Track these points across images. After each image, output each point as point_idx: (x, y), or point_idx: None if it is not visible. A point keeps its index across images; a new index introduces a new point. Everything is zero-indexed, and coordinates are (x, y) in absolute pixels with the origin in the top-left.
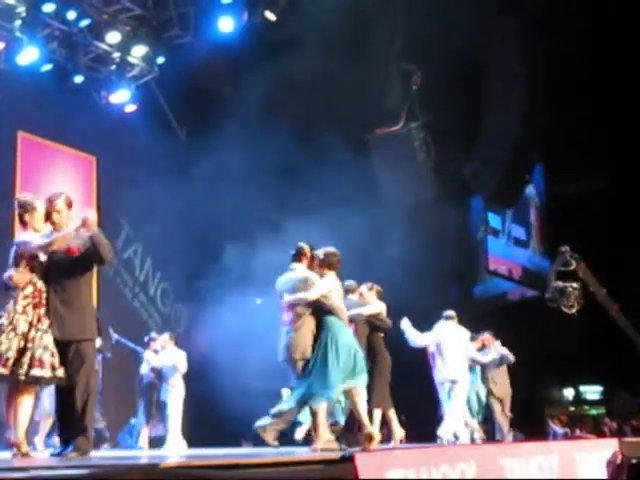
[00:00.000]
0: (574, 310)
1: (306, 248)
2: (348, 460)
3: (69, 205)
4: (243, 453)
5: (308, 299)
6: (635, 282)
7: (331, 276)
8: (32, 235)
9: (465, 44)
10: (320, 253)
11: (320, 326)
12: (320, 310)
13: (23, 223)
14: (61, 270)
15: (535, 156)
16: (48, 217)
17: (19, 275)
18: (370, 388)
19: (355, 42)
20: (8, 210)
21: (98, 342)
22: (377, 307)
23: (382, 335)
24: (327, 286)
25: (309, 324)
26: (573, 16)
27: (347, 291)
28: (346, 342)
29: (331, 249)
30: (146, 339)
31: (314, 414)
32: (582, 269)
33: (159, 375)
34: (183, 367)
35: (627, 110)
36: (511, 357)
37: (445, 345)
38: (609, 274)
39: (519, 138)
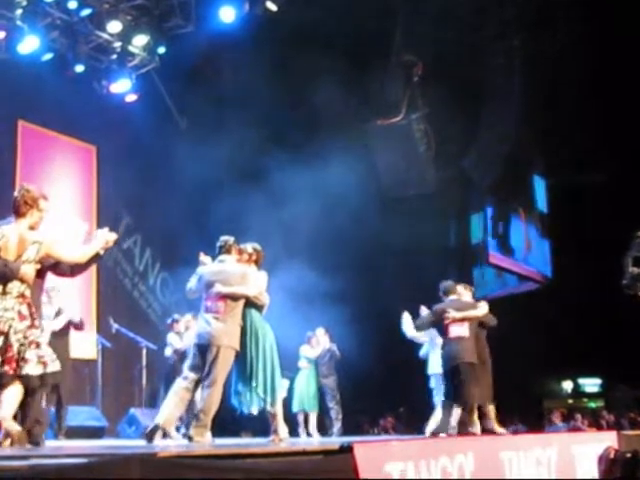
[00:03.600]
0: None
1: (231, 241)
2: (347, 451)
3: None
4: (242, 443)
5: (247, 294)
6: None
7: (262, 273)
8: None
9: (466, 36)
10: (248, 248)
11: (245, 319)
12: (246, 304)
13: (20, 214)
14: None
15: (535, 148)
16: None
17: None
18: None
19: (356, 33)
20: (8, 199)
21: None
22: (485, 307)
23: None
24: (264, 283)
25: (238, 316)
26: (573, 10)
27: (446, 292)
28: (271, 339)
29: (257, 245)
30: (169, 321)
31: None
32: None
33: (182, 358)
34: None
35: (628, 101)
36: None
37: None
38: (610, 266)
39: (519, 130)
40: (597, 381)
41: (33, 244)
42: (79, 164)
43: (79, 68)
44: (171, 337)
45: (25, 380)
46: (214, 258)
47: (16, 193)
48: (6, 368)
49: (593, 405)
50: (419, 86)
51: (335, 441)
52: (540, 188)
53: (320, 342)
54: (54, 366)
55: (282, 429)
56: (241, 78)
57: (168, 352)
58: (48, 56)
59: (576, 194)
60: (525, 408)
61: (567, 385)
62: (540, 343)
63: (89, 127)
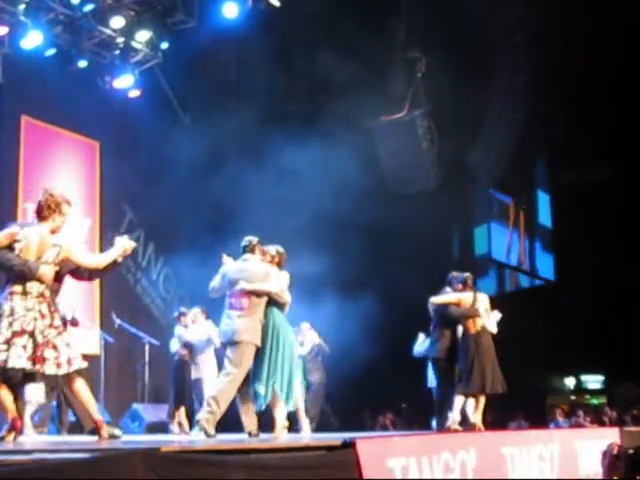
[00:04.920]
0: None
1: (255, 241)
2: (349, 446)
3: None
4: (244, 438)
5: (269, 291)
6: (637, 270)
7: (284, 272)
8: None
9: (470, 32)
10: (271, 250)
11: (267, 317)
12: (268, 302)
13: (42, 217)
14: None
15: (539, 145)
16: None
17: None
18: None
19: (360, 28)
20: (11, 194)
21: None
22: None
23: None
24: (285, 283)
25: (260, 313)
26: (579, 6)
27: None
28: (290, 337)
29: (280, 248)
30: (176, 314)
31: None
32: None
33: (190, 351)
34: (217, 341)
35: (631, 97)
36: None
37: None
38: (612, 261)
39: (523, 127)
40: (600, 378)
41: (53, 247)
42: (82, 159)
43: (82, 63)
44: (179, 329)
45: (47, 378)
46: (235, 258)
47: (40, 197)
48: (37, 367)
49: (595, 402)
50: (423, 82)
51: (338, 437)
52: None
53: (306, 337)
54: (76, 364)
55: (305, 425)
56: (244, 73)
57: (174, 346)
58: (51, 51)
59: (580, 191)
60: (528, 404)
61: (570, 382)
62: (543, 340)
63: (92, 122)
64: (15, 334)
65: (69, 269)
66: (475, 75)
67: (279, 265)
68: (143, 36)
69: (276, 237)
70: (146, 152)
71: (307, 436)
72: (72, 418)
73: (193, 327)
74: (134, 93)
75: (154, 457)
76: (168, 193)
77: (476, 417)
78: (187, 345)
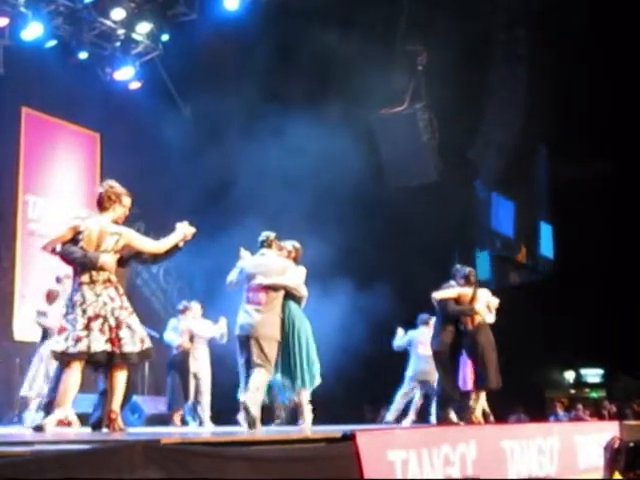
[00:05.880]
0: None
1: (272, 236)
2: (349, 439)
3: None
4: (244, 431)
5: (287, 285)
6: (636, 264)
7: (301, 267)
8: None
9: (471, 26)
10: (288, 245)
11: (284, 311)
12: (285, 296)
13: (103, 208)
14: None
15: (539, 138)
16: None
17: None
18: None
19: (361, 22)
20: (11, 185)
21: None
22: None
23: None
24: (302, 277)
25: (278, 307)
26: (577, 3)
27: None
28: (309, 331)
29: (297, 243)
30: (180, 307)
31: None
32: None
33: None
34: (225, 337)
35: (631, 91)
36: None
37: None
38: (612, 255)
39: (523, 120)
40: (599, 371)
41: (112, 235)
42: (83, 151)
43: (83, 55)
44: (184, 322)
45: (125, 358)
46: (252, 252)
47: (100, 189)
48: (115, 348)
49: (595, 395)
50: (424, 75)
51: (338, 429)
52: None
53: None
54: (147, 343)
55: (308, 416)
56: (244, 65)
57: (176, 340)
58: (52, 43)
59: (581, 185)
60: (528, 398)
61: (569, 375)
62: (543, 333)
63: (93, 114)
64: (90, 319)
65: (132, 255)
66: (475, 68)
67: (295, 260)
68: (144, 28)
69: (277, 231)
70: (146, 144)
71: (307, 428)
72: (74, 410)
73: (199, 321)
74: (135, 85)
75: (154, 449)
76: (168, 185)
77: (476, 410)
78: (195, 338)
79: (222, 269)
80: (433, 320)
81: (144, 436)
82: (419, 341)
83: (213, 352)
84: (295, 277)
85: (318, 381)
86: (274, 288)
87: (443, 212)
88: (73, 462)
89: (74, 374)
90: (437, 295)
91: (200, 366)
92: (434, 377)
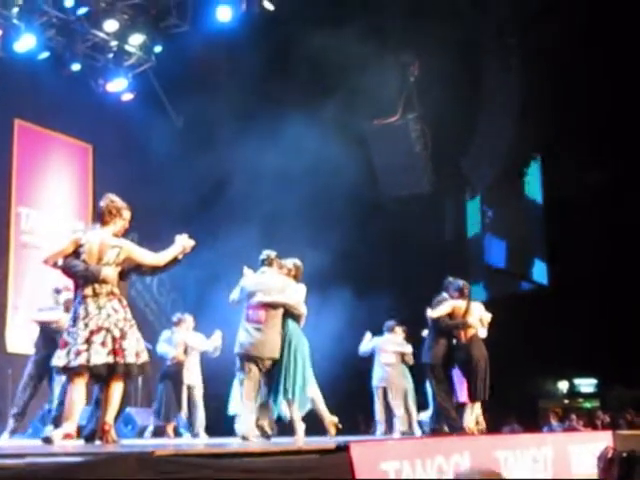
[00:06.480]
0: None
1: (273, 255)
2: (343, 450)
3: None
4: (238, 442)
5: (287, 303)
6: (633, 271)
7: (301, 285)
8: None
9: (463, 36)
10: (288, 263)
11: (284, 329)
12: (284, 314)
13: (104, 222)
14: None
15: (532, 149)
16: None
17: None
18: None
19: (353, 32)
20: (4, 197)
21: None
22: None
23: None
24: (302, 296)
25: (278, 325)
26: (570, 10)
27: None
28: (306, 349)
29: (298, 261)
30: (175, 319)
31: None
32: None
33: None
34: (218, 352)
35: (625, 103)
36: None
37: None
38: (605, 266)
39: (516, 131)
40: (592, 381)
41: (113, 248)
42: (75, 162)
43: (75, 67)
44: (179, 334)
45: (128, 368)
46: (254, 269)
47: (102, 203)
48: (118, 358)
49: (588, 405)
50: (416, 86)
51: (332, 440)
52: (538, 189)
53: None
54: (144, 357)
55: (301, 429)
56: (237, 77)
57: (171, 351)
58: (44, 55)
59: (573, 197)
60: (521, 408)
61: (563, 385)
62: (536, 343)
63: (85, 126)
64: (92, 333)
65: (132, 267)
66: (468, 79)
67: (296, 278)
68: (137, 40)
69: (269, 240)
70: (139, 155)
71: (300, 440)
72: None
73: (192, 334)
74: (127, 96)
75: (148, 460)
76: (161, 196)
77: (469, 422)
78: (191, 351)
79: (215, 280)
80: (399, 328)
81: (137, 448)
82: (381, 348)
83: (209, 364)
84: (295, 295)
85: (308, 406)
86: (274, 306)
87: (436, 222)
88: (67, 474)
89: (77, 389)
90: (433, 314)
91: (193, 378)
92: (397, 382)
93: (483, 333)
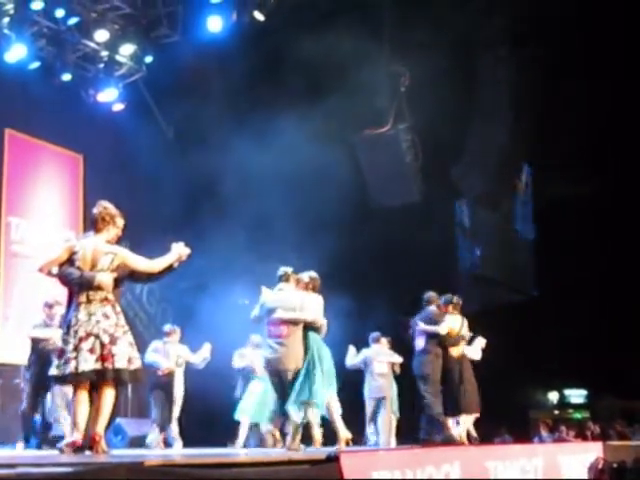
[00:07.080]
0: None
1: (290, 271)
2: (333, 460)
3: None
4: (228, 452)
5: (305, 319)
6: (621, 281)
7: (319, 297)
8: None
9: (453, 47)
10: (305, 277)
11: (305, 340)
12: (305, 326)
13: (97, 229)
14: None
15: (523, 158)
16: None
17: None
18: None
19: (344, 43)
20: None
21: None
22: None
23: None
24: (320, 308)
25: (299, 338)
26: (560, 20)
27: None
28: (328, 357)
29: (314, 274)
30: (167, 329)
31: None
32: None
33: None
34: (203, 364)
35: (615, 111)
36: None
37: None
38: (594, 276)
39: (507, 141)
40: (582, 392)
41: (106, 254)
42: (66, 173)
43: (66, 77)
44: (173, 346)
45: (118, 374)
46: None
47: (95, 210)
48: (107, 364)
49: (579, 416)
50: (407, 96)
51: (322, 450)
52: (528, 197)
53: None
54: (137, 364)
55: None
56: (228, 87)
57: (164, 362)
58: (35, 65)
59: (562, 206)
60: (512, 419)
61: (553, 396)
62: (526, 354)
63: (76, 136)
64: (81, 340)
65: (126, 274)
66: (458, 89)
67: (314, 289)
68: (127, 50)
69: (263, 258)
70: (130, 165)
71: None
72: (56, 432)
73: (180, 345)
74: (118, 106)
75: (138, 471)
76: (152, 205)
77: (460, 432)
78: (181, 362)
79: (204, 289)
80: (384, 338)
81: (128, 458)
82: (375, 359)
83: (206, 373)
84: (312, 310)
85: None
86: (294, 322)
87: (426, 232)
88: None
89: (79, 399)
90: (441, 330)
91: (179, 389)
92: (390, 393)
93: (477, 355)
